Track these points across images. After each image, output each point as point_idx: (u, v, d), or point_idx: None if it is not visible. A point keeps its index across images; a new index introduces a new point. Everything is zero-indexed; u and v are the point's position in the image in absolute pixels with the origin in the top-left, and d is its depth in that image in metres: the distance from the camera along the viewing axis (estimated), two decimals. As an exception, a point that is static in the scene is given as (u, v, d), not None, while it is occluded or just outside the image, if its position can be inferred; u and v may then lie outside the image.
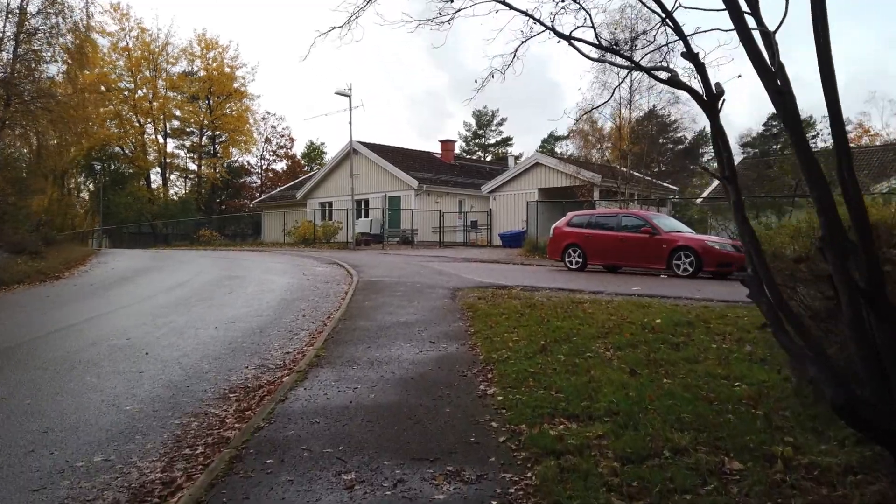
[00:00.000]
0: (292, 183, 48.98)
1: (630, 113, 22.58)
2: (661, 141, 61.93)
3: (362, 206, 36.09)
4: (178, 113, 54.00)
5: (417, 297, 9.96)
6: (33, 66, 21.67)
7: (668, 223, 16.08)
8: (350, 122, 28.92)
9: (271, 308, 9.34)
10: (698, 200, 33.35)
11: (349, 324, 7.52)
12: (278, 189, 51.29)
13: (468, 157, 59.48)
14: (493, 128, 70.33)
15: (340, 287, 12.04)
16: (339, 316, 8.12)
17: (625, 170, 23.34)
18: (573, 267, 16.69)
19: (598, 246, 16.24)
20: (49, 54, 21.97)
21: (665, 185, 29.15)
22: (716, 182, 32.50)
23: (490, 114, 69.98)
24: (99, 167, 49.29)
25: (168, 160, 55.31)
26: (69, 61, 22.83)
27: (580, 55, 10.08)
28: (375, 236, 32.18)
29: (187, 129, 56.78)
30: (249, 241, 43.45)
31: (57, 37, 21.61)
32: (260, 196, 53.23)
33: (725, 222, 20.57)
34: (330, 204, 38.06)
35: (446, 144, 41.74)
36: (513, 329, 6.87)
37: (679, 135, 61.30)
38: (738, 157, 58.26)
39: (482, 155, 66.85)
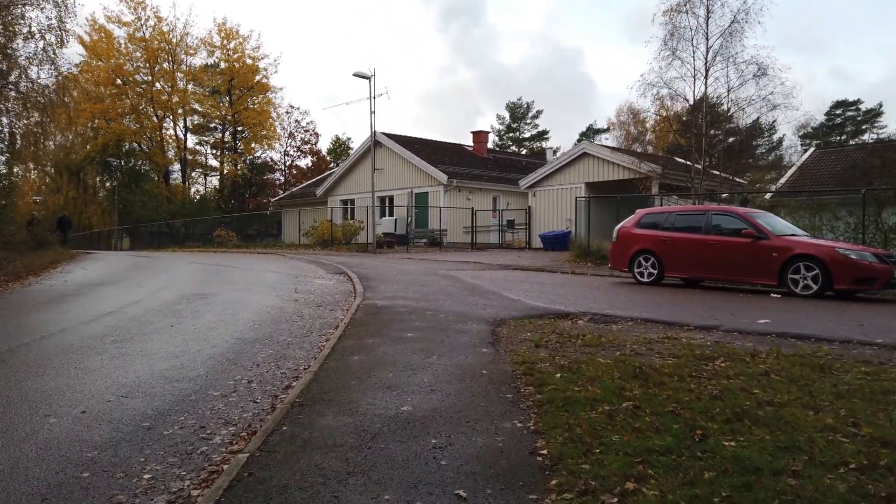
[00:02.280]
0: (314, 180, 45.96)
1: (705, 87, 18.58)
2: (711, 132, 57.37)
3: (386, 204, 32.75)
4: (197, 107, 51.44)
5: (439, 341, 6.38)
6: None
7: (778, 224, 12.21)
8: (372, 112, 25.34)
9: (207, 364, 5.86)
10: (768, 195, 28.89)
11: (305, 420, 3.98)
12: (299, 186, 48.34)
13: (503, 150, 55.66)
14: (528, 121, 66.42)
15: (333, 316, 8.56)
16: (297, 392, 4.59)
17: (699, 165, 19.34)
18: (645, 280, 12.95)
19: (679, 253, 12.47)
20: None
21: (738, 180, 24.99)
22: (788, 174, 28.22)
23: (525, 106, 66.08)
24: (115, 164, 46.95)
25: (189, 157, 52.84)
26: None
27: None
28: (400, 237, 28.78)
29: (210, 125, 54.31)
30: (268, 241, 40.60)
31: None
32: (282, 194, 50.36)
33: (810, 220, 16.40)
34: (352, 202, 34.84)
35: (479, 136, 38.09)
36: (630, 451, 3.26)
37: (731, 125, 56.62)
38: (799, 149, 53.19)
39: (517, 150, 62.95)
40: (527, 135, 66.77)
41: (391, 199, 32.60)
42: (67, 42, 20.16)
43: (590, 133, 65.57)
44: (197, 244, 38.23)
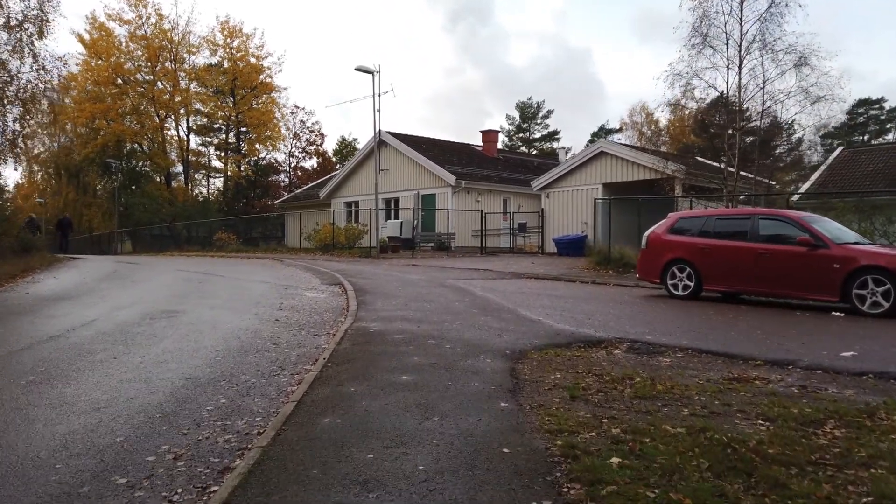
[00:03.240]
0: (318, 181, 44.57)
1: (739, 78, 16.90)
2: (729, 132, 55.53)
3: (392, 206, 31.29)
4: (200, 107, 50.15)
5: (443, 389, 4.83)
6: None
7: (837, 230, 10.59)
8: (378, 110, 23.78)
9: (132, 423, 4.33)
10: (795, 197, 27.08)
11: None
12: (303, 188, 46.99)
13: (513, 151, 54.06)
14: (539, 121, 64.79)
15: (315, 344, 7.05)
16: (226, 492, 3.10)
17: (731, 169, 17.69)
18: (679, 293, 11.37)
19: (721, 263, 10.89)
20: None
21: (766, 181, 23.29)
22: (816, 175, 26.47)
23: (535, 105, 64.49)
24: (115, 165, 45.68)
25: (192, 158, 51.60)
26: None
27: None
28: (406, 241, 27.29)
29: (214, 126, 53.07)
30: (271, 245, 39.27)
31: None
32: (286, 196, 49.00)
33: (859, 224, 14.69)
34: (356, 204, 33.41)
35: (488, 135, 36.55)
36: None
37: (752, 124, 54.74)
38: (819, 150, 51.24)
39: (527, 151, 61.32)
40: (537, 135, 65.17)
41: (396, 201, 31.15)
42: (48, 33, 18.80)
43: (602, 133, 63.86)
44: (196, 248, 36.93)
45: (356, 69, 22.67)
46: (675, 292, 11.46)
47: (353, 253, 25.07)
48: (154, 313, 9.10)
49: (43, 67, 19.33)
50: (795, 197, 21.27)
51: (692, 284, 11.25)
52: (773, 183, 23.71)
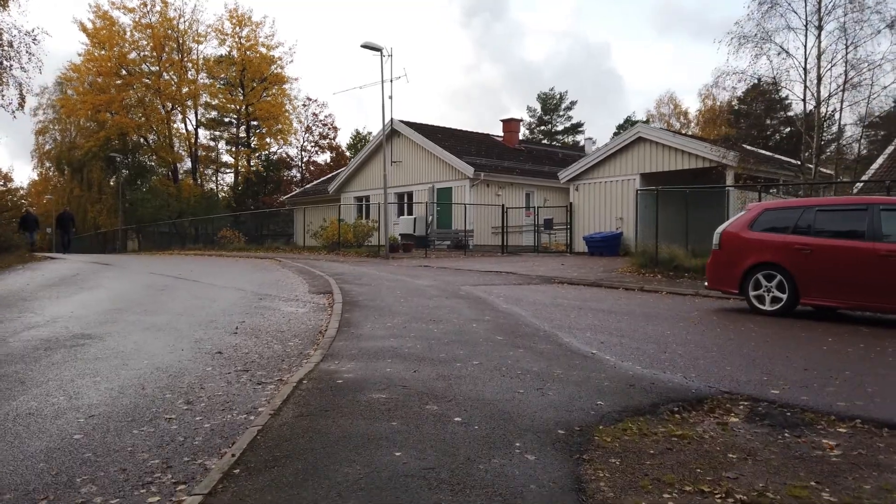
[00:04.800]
0: (329, 175, 42.24)
1: (819, 42, 13.95)
2: (766, 122, 52.06)
3: (405, 201, 28.78)
4: (208, 99, 48.06)
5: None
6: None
7: None
8: (390, 97, 21.21)
9: None
10: (859, 185, 23.66)
11: None
12: (313, 182, 44.72)
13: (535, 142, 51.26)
14: (561, 112, 61.80)
15: (249, 403, 4.51)
16: None
17: (814, 169, 14.75)
18: (766, 307, 8.69)
19: (827, 269, 8.18)
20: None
21: (825, 171, 20.29)
22: (876, 164, 23.33)
23: (557, 96, 61.53)
24: (119, 159, 43.77)
25: (202, 152, 49.60)
26: None
27: None
28: (419, 239, 24.77)
29: (224, 120, 51.00)
30: (280, 243, 37.04)
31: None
32: (296, 191, 46.74)
33: None
34: (366, 198, 30.98)
35: (510, 125, 33.85)
36: None
37: (789, 114, 51.15)
38: (863, 141, 47.60)
39: (550, 144, 58.44)
40: (559, 128, 62.20)
41: (410, 195, 28.63)
42: (13, 3, 16.54)
43: (627, 125, 60.76)
44: (199, 246, 34.76)
45: (363, 46, 20.15)
46: (760, 306, 8.77)
47: (361, 252, 22.60)
48: (63, 339, 6.66)
49: (10, 44, 17.09)
50: (859, 184, 18.20)
51: (784, 297, 8.56)
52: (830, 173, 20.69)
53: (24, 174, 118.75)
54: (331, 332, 6.64)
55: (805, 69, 14.17)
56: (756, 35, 14.08)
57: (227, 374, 5.16)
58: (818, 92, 14.20)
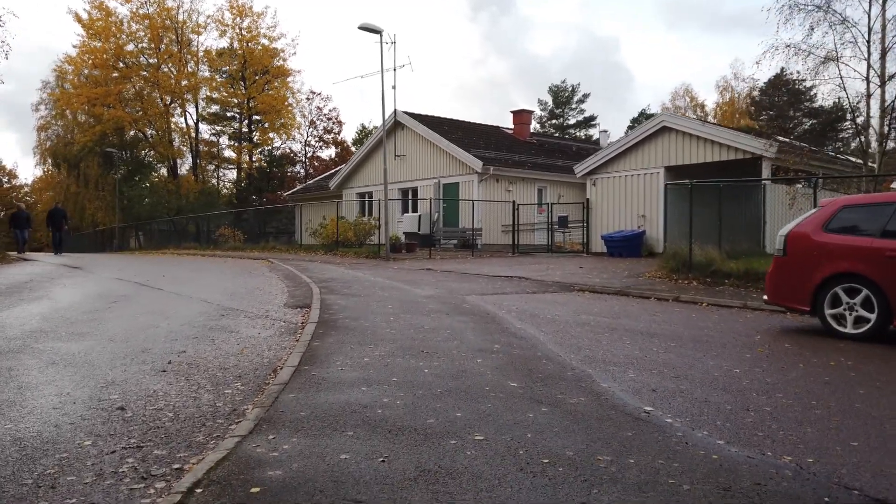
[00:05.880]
0: (332, 171, 40.58)
1: (883, 9, 11.99)
2: (791, 113, 49.83)
3: (409, 197, 27.05)
4: (208, 93, 46.46)
5: None
6: None
7: None
8: (392, 86, 19.56)
9: None
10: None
11: None
12: (315, 179, 43.11)
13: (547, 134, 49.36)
14: (574, 105, 59.77)
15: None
16: None
17: (879, 158, 12.83)
18: (848, 329, 6.90)
19: (933, 283, 6.37)
20: None
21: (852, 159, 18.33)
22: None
23: (569, 89, 59.51)
24: (116, 155, 42.24)
25: (203, 148, 48.04)
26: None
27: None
28: (424, 238, 23.07)
29: (227, 115, 49.42)
30: (282, 241, 35.46)
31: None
32: (298, 187, 45.11)
33: None
34: (369, 195, 29.30)
35: (520, 116, 32.00)
36: None
37: (816, 105, 48.89)
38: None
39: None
40: (572, 121, 60.18)
41: (414, 191, 26.90)
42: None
43: (641, 119, 58.67)
44: (194, 245, 33.25)
45: (360, 27, 18.41)
46: (840, 328, 6.98)
47: (360, 253, 20.92)
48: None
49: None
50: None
51: (872, 317, 6.76)
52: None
53: (28, 171, 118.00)
54: (285, 373, 4.93)
55: (868, 42, 12.21)
56: (808, 4, 12.16)
57: (108, 456, 3.46)
58: (883, 68, 12.22)
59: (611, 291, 11.36)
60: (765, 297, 8.01)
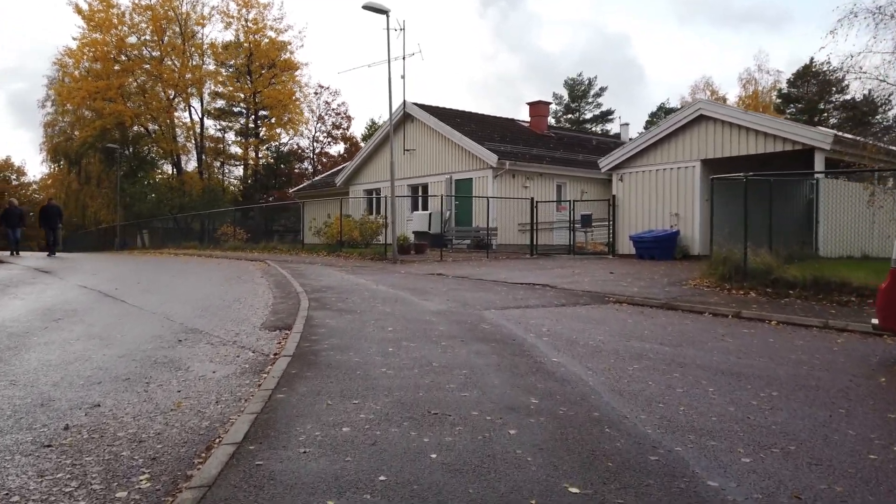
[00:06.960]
0: (339, 167, 38.95)
1: None
2: (820, 106, 47.55)
3: (419, 194, 25.33)
4: (212, 87, 44.96)
5: None
6: None
7: None
8: (402, 76, 18.00)
9: None
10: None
11: None
12: (322, 175, 41.50)
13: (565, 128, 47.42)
14: (591, 99, 57.73)
15: None
16: None
17: None
18: None
19: None
20: None
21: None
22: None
23: (586, 82, 57.48)
24: (118, 151, 40.83)
25: (209, 144, 46.58)
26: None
27: None
28: (435, 237, 21.39)
29: (233, 110, 47.92)
30: (287, 240, 33.95)
31: None
32: (304, 184, 43.51)
33: None
34: (377, 191, 27.56)
35: (537, 108, 30.14)
36: None
37: (847, 97, 46.56)
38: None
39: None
40: (588, 115, 58.15)
41: (425, 187, 25.16)
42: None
43: (660, 114, 56.55)
44: (195, 244, 31.75)
45: (364, 7, 16.68)
46: None
47: (365, 254, 19.24)
48: None
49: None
50: None
51: None
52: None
53: (37, 169, 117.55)
54: (218, 460, 3.21)
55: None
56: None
57: None
58: None
59: (655, 304, 9.56)
60: (874, 320, 6.18)
